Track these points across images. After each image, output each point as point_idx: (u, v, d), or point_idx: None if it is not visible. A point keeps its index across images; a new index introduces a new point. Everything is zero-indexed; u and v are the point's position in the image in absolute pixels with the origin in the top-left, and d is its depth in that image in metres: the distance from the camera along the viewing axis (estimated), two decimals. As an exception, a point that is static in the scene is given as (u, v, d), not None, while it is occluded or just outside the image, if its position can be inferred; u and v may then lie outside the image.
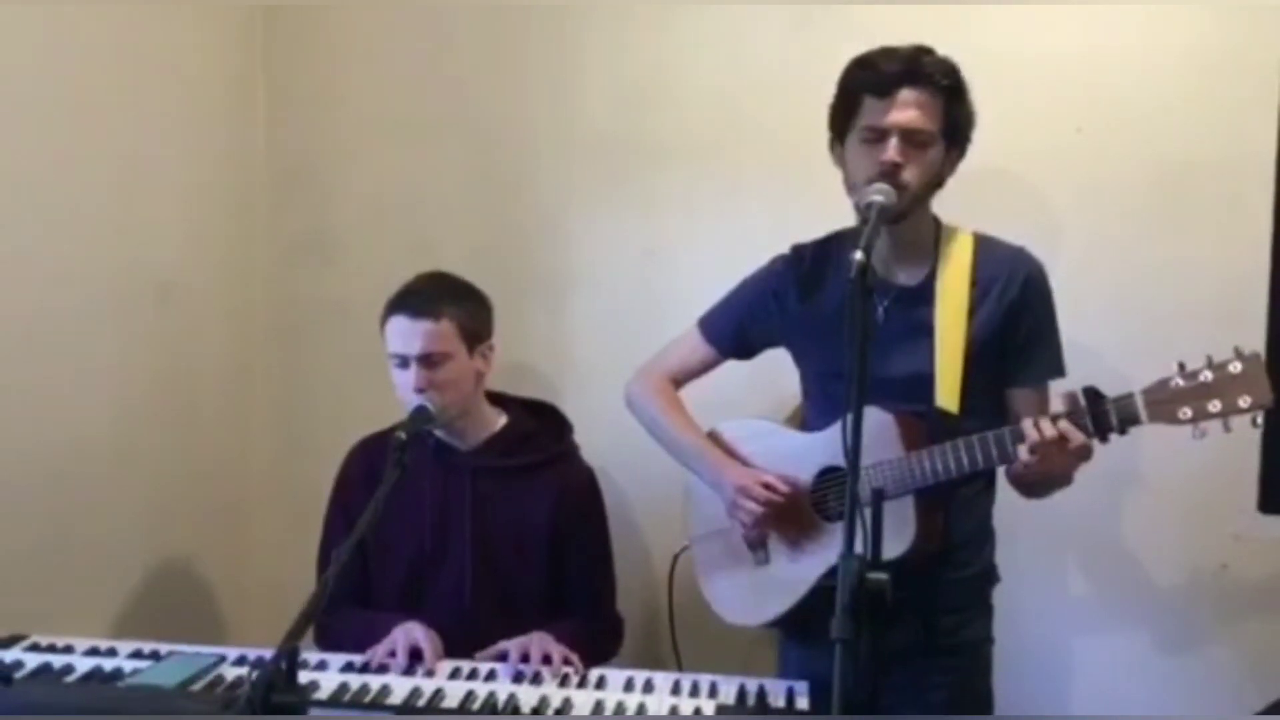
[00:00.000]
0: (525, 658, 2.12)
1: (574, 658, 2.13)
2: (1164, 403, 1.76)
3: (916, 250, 2.09)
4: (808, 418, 2.26)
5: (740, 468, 2.18)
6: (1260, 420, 1.72)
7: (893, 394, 1.98)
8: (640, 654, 2.52)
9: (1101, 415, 1.82)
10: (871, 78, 2.00)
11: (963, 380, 2.02)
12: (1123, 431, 1.82)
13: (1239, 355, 1.74)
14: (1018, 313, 2.06)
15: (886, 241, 2.06)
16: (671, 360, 2.36)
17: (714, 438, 2.28)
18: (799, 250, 2.23)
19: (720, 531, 2.25)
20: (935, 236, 2.11)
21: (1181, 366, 1.76)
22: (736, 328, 2.29)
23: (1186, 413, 1.75)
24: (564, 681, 2.06)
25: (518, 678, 2.07)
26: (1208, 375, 1.74)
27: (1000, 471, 2.08)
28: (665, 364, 2.36)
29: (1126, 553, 2.61)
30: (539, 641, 2.15)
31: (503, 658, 2.14)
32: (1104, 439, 1.83)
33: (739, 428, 2.29)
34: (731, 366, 2.35)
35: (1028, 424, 1.86)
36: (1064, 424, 1.83)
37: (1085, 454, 1.86)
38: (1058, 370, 2.10)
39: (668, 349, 2.37)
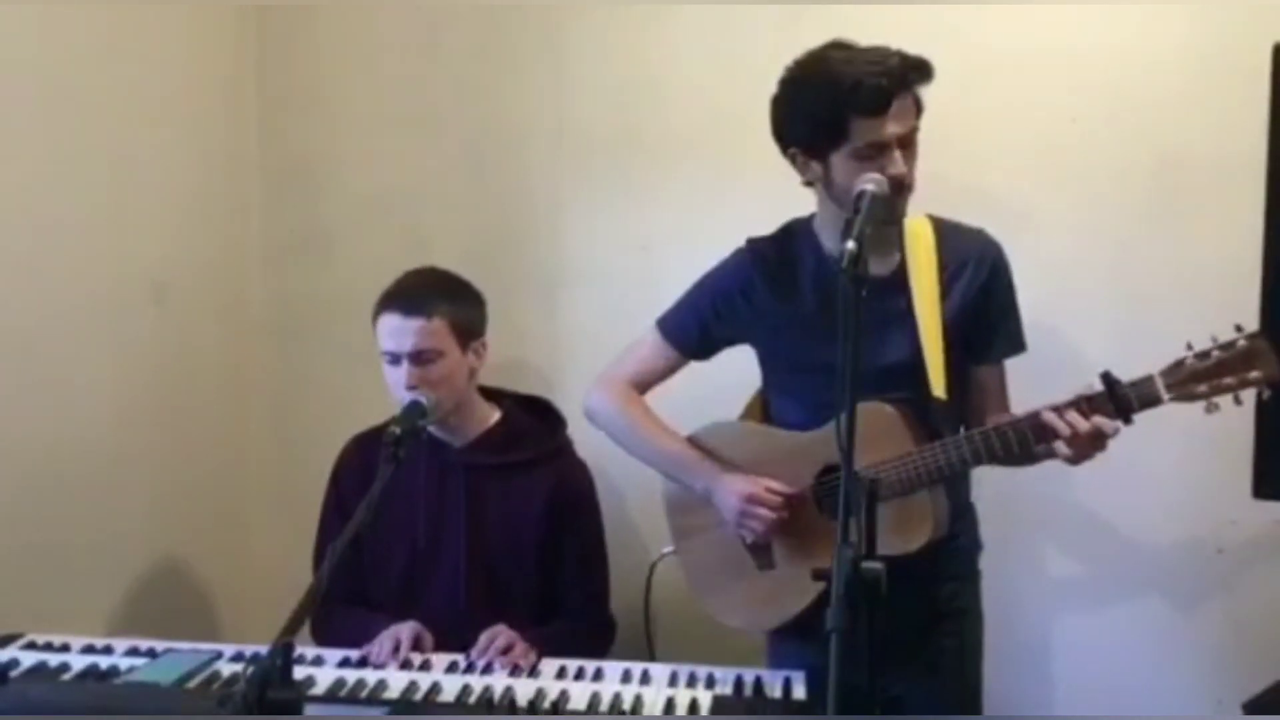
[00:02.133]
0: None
1: (531, 656, 2.12)
2: (1182, 382, 1.83)
3: (885, 239, 2.08)
4: (779, 413, 2.23)
5: (739, 476, 2.13)
6: (1267, 394, 1.83)
7: (876, 383, 1.96)
8: (638, 647, 2.51)
9: (1123, 399, 1.85)
10: (861, 98, 1.92)
11: (944, 365, 2.03)
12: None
13: (1244, 334, 1.82)
14: (986, 294, 2.09)
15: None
16: (633, 365, 2.29)
17: (694, 443, 2.23)
18: (758, 245, 2.20)
19: (711, 540, 2.21)
20: (899, 226, 2.10)
21: (1189, 346, 1.83)
22: (700, 328, 2.24)
23: (1204, 390, 1.82)
24: (561, 674, 2.06)
25: (514, 670, 2.07)
26: (1219, 354, 1.82)
27: None
28: (627, 370, 2.29)
29: (1122, 538, 2.62)
30: (503, 634, 2.15)
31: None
32: (1128, 421, 1.87)
33: (721, 431, 2.23)
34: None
35: (1050, 416, 1.88)
36: (1098, 418, 1.86)
37: (1111, 435, 1.89)
38: (1019, 346, 2.13)
39: (627, 354, 2.31)
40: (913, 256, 2.07)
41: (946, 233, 2.10)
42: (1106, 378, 1.87)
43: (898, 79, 1.93)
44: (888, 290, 2.06)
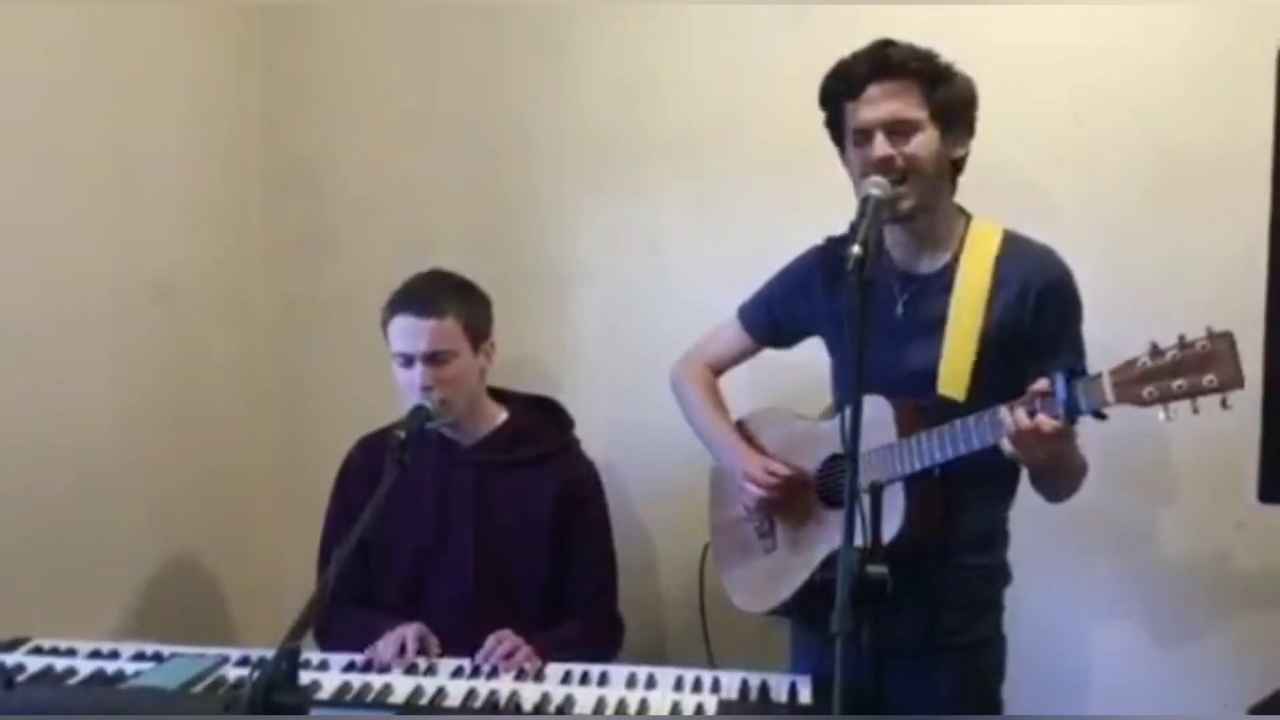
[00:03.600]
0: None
1: (535, 661, 2.12)
2: (1130, 383, 1.70)
3: (941, 240, 2.07)
4: (835, 403, 2.27)
5: (752, 455, 2.22)
6: (1228, 402, 1.64)
7: (909, 386, 1.97)
8: (647, 647, 2.52)
9: (1070, 397, 1.77)
10: (843, 82, 2.02)
11: (973, 368, 1.99)
12: (1098, 415, 1.77)
13: (1209, 334, 1.67)
14: (1034, 318, 2.01)
15: (907, 234, 2.06)
16: (712, 348, 2.40)
17: (741, 426, 2.32)
18: (830, 242, 2.22)
19: (735, 521, 2.29)
20: (963, 227, 2.09)
21: (1154, 346, 1.71)
22: (769, 317, 2.31)
23: (1152, 393, 1.68)
24: (566, 678, 2.06)
25: (520, 674, 2.07)
26: (1176, 354, 1.68)
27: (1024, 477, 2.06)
28: (706, 351, 2.41)
29: (1128, 542, 2.61)
30: (508, 639, 2.14)
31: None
32: (1072, 421, 1.79)
33: (762, 416, 2.32)
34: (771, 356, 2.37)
35: (1004, 410, 1.83)
36: (1040, 417, 1.78)
37: (1065, 436, 1.81)
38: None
39: (710, 336, 2.41)
40: (967, 259, 2.05)
41: (1011, 245, 2.06)
42: (1059, 373, 1.79)
43: (871, 60, 1.99)
44: (933, 289, 2.06)
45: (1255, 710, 2.19)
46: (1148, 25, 2.55)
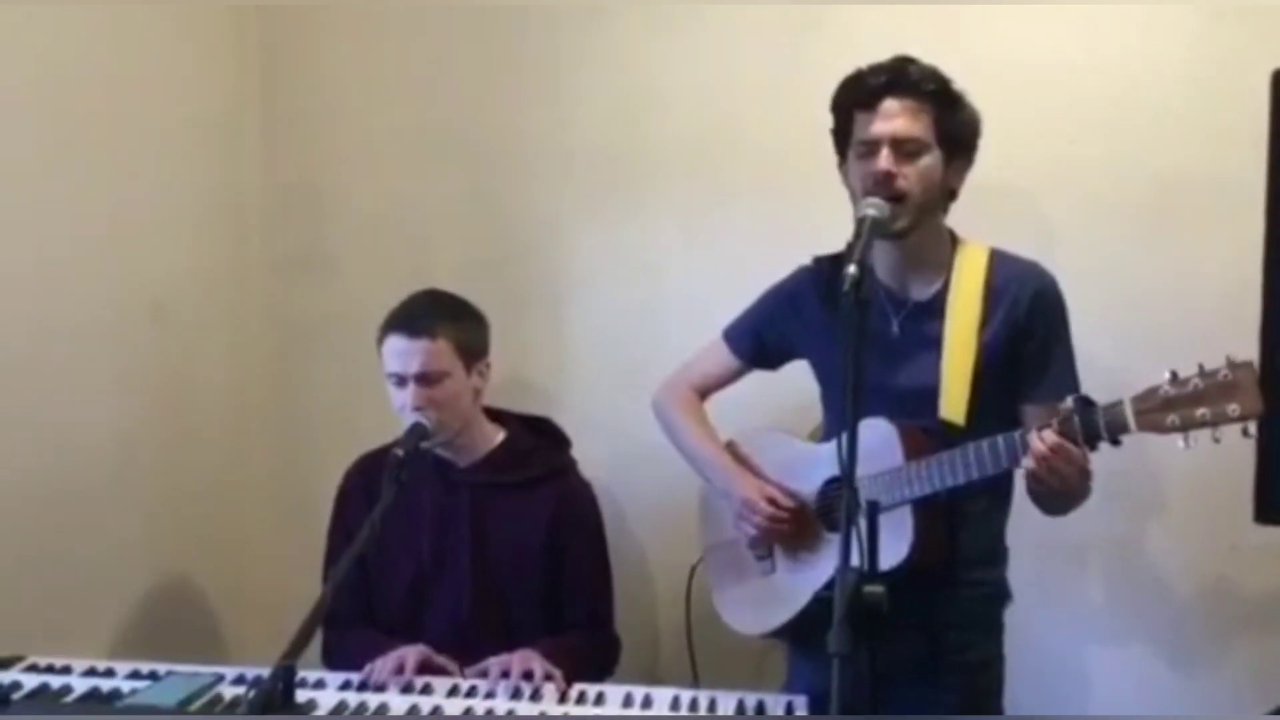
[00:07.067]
0: (507, 673, 2.10)
1: (556, 674, 2.11)
2: (1153, 410, 1.72)
3: (930, 264, 2.08)
4: (824, 425, 2.29)
5: (750, 480, 2.20)
6: (1252, 430, 1.68)
7: (903, 407, 1.98)
8: (641, 668, 2.52)
9: (1090, 423, 1.79)
10: (857, 92, 2.02)
11: (971, 393, 2.00)
12: (1114, 441, 1.78)
13: (1230, 364, 1.69)
14: (1026, 327, 2.03)
15: (898, 256, 2.07)
16: (697, 370, 2.39)
17: (731, 448, 2.30)
18: (819, 262, 2.22)
19: (731, 541, 2.27)
20: (951, 251, 2.10)
21: (1174, 375, 1.72)
22: (756, 338, 2.31)
23: (1175, 421, 1.70)
24: (563, 698, 2.05)
25: (516, 694, 2.06)
26: (1198, 383, 1.70)
27: (1020, 486, 2.05)
28: (690, 374, 2.39)
29: (1125, 564, 2.61)
30: (521, 658, 2.13)
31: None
32: (1093, 447, 1.80)
33: (754, 438, 2.31)
34: (760, 376, 2.37)
35: (1031, 436, 1.83)
36: (1056, 438, 1.79)
37: (1082, 462, 1.82)
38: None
39: (694, 359, 2.40)
40: (958, 283, 2.06)
41: (998, 263, 2.08)
42: (1079, 400, 1.80)
43: (890, 75, 1.99)
44: (926, 315, 2.07)
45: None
46: (1142, 46, 2.56)
